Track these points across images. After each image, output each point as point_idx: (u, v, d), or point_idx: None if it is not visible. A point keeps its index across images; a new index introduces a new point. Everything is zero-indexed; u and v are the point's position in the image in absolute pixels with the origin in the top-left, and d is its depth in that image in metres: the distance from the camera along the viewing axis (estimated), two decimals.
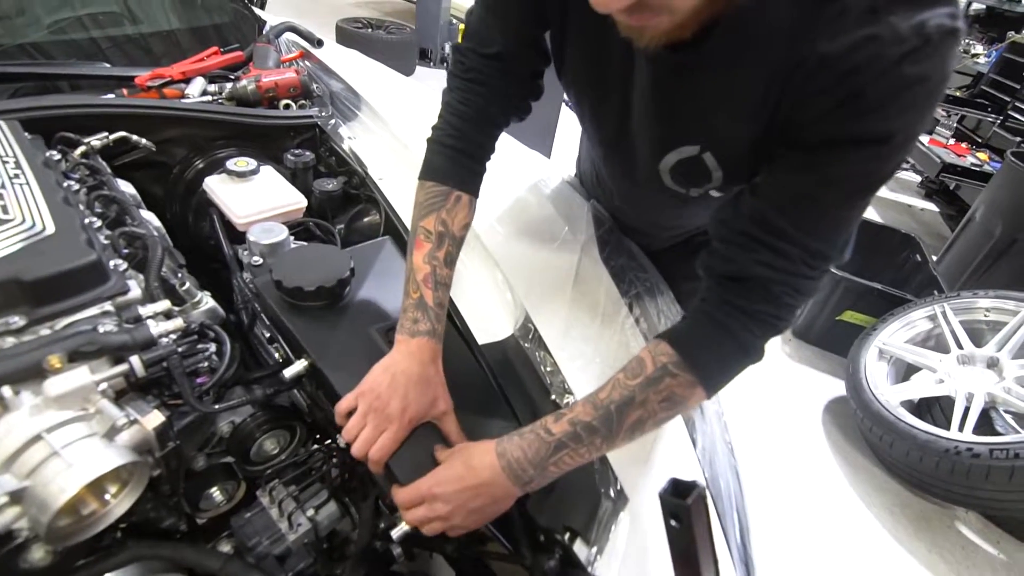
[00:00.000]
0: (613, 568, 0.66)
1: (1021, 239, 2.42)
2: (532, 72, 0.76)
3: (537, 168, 1.27)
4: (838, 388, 2.24)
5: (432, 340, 0.69)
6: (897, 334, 2.12)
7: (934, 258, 2.64)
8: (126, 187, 0.97)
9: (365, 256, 0.89)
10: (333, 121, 1.26)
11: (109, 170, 0.96)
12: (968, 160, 3.65)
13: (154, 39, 1.41)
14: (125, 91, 1.16)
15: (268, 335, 0.86)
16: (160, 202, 1.14)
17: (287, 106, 1.27)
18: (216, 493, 0.82)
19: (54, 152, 0.91)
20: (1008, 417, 1.86)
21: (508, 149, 1.27)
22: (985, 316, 2.04)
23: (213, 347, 0.72)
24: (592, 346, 0.86)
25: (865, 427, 1.93)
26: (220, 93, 1.23)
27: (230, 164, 1.01)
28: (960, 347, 1.99)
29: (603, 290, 0.96)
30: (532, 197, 1.14)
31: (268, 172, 1.06)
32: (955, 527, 1.87)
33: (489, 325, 0.87)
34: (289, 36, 1.62)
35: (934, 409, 2.00)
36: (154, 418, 0.61)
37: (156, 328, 0.64)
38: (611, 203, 1.12)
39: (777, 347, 2.52)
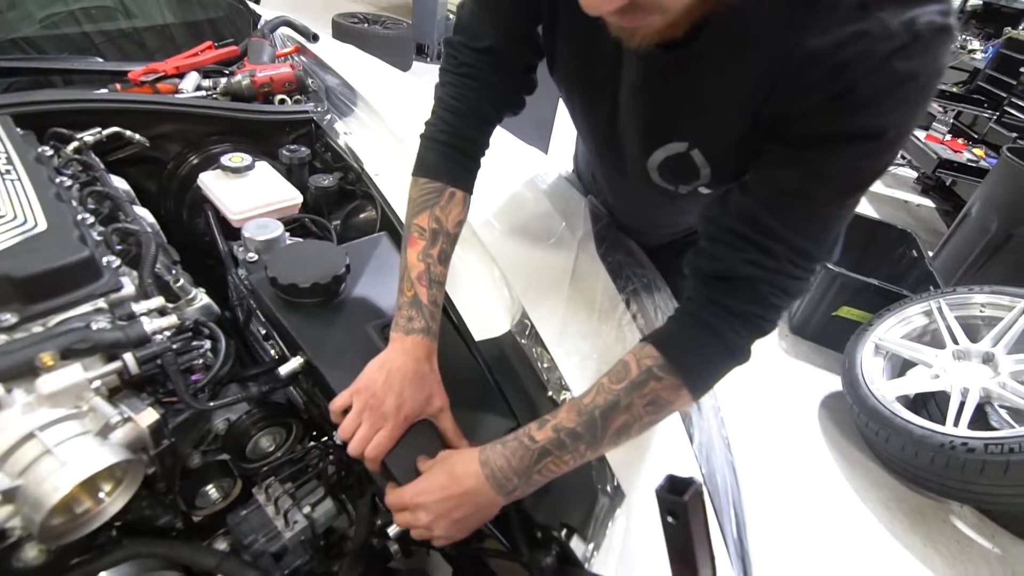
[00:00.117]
0: (610, 564, 0.66)
1: (1017, 235, 2.43)
2: (525, 66, 0.76)
3: (534, 163, 1.26)
4: (834, 383, 2.25)
5: (427, 338, 0.69)
6: (893, 330, 2.13)
7: (930, 254, 2.65)
8: (119, 183, 0.97)
9: (361, 252, 0.88)
10: (329, 116, 1.25)
11: (102, 166, 0.96)
12: (964, 156, 3.65)
13: (148, 33, 1.40)
14: (118, 86, 1.15)
15: (264, 332, 0.85)
16: (154, 198, 1.14)
17: (282, 101, 1.26)
18: (212, 491, 0.82)
19: (46, 148, 0.90)
20: (1003, 412, 1.87)
21: (505, 144, 1.27)
22: (981, 311, 2.05)
23: (208, 344, 0.72)
24: (589, 342, 0.86)
25: (861, 422, 1.93)
26: (214, 88, 1.22)
27: (225, 160, 1.01)
28: (956, 342, 2.00)
29: (600, 286, 0.95)
30: (529, 193, 1.14)
31: (263, 168, 1.06)
32: (950, 521, 1.88)
33: (486, 321, 0.87)
34: (284, 31, 1.61)
35: (930, 404, 2.01)
36: (148, 416, 0.60)
37: (150, 325, 0.64)
38: (605, 200, 1.12)
39: (774, 343, 2.52)
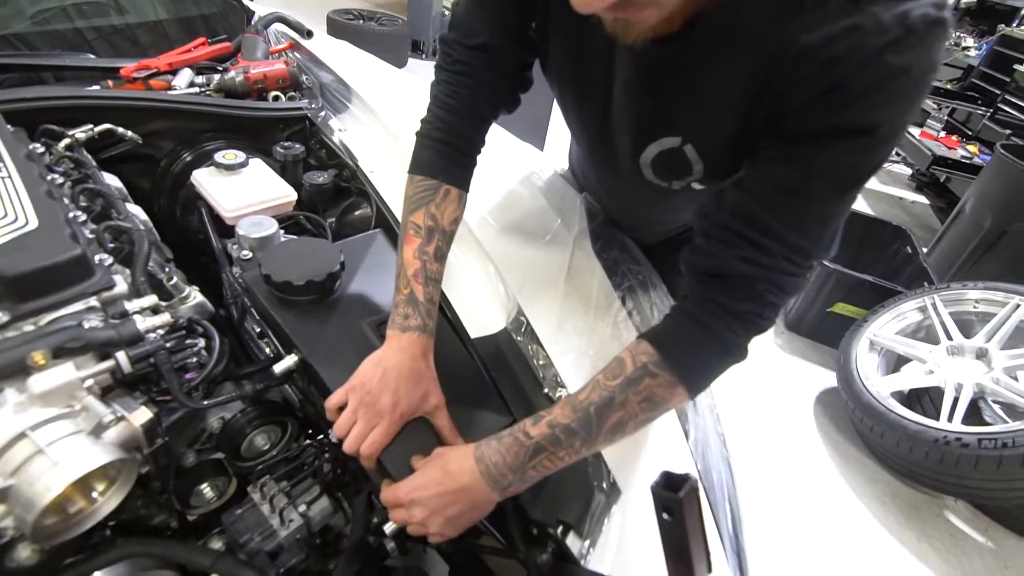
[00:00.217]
0: (606, 561, 0.66)
1: (1010, 231, 2.44)
2: (519, 64, 0.75)
3: (530, 160, 1.26)
4: (829, 379, 2.26)
5: (423, 335, 0.69)
6: (888, 326, 2.14)
7: (924, 250, 2.66)
8: (112, 180, 0.96)
9: (356, 249, 0.88)
10: (323, 113, 1.24)
11: (94, 163, 0.95)
12: (958, 153, 3.67)
13: (140, 29, 1.39)
14: (111, 82, 1.14)
15: (258, 330, 0.85)
16: (147, 196, 1.13)
17: (276, 98, 1.25)
18: (207, 490, 0.81)
19: (37, 145, 0.89)
20: (996, 407, 1.88)
21: (500, 141, 1.27)
22: (974, 307, 2.06)
23: (202, 342, 0.72)
24: (585, 339, 0.86)
25: (856, 418, 1.94)
26: (208, 85, 1.21)
27: (218, 157, 1.00)
28: (950, 338, 2.01)
29: (596, 283, 0.95)
30: (524, 190, 1.14)
31: (257, 165, 1.05)
32: (944, 516, 1.90)
33: (481, 319, 0.86)
34: (278, 27, 1.60)
35: (924, 400, 2.02)
36: (141, 415, 0.60)
37: (143, 323, 0.64)
38: (600, 198, 1.12)
39: (769, 339, 2.53)
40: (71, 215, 0.73)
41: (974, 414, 1.84)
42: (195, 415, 0.73)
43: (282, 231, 0.91)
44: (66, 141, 0.93)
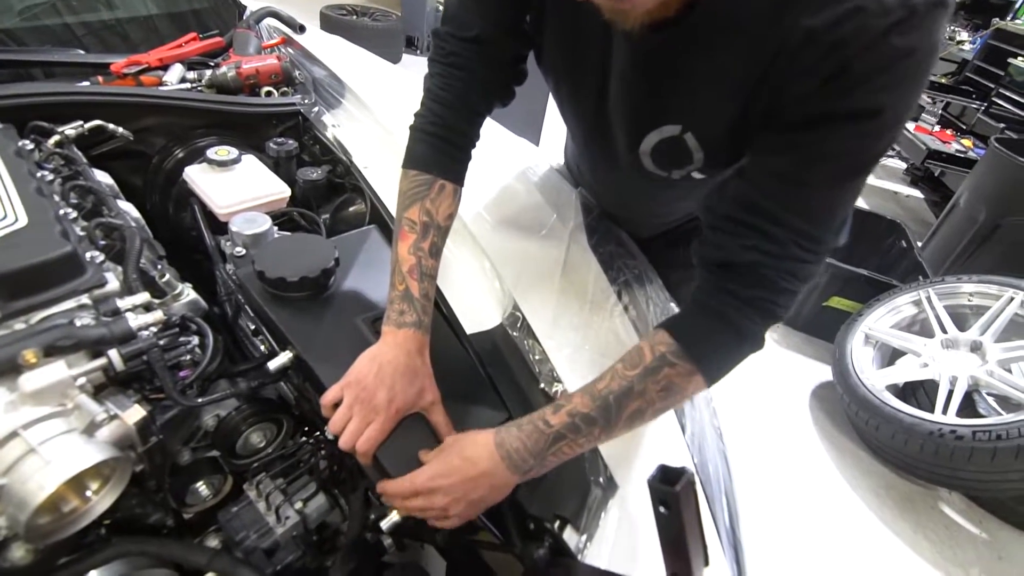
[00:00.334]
0: (603, 555, 0.66)
1: (1004, 225, 2.45)
2: (513, 56, 0.75)
3: (525, 155, 1.25)
4: (825, 373, 2.27)
5: (419, 331, 0.69)
6: (883, 319, 2.15)
7: (919, 244, 2.67)
8: (103, 177, 0.95)
9: (350, 245, 0.88)
10: (316, 109, 1.23)
11: (85, 160, 0.94)
12: (953, 147, 3.68)
13: (131, 25, 1.37)
14: (101, 78, 1.13)
15: (252, 327, 0.85)
16: (139, 193, 1.12)
17: (269, 93, 1.24)
18: (202, 487, 0.81)
19: (27, 141, 0.88)
20: (990, 400, 1.89)
21: (495, 136, 1.26)
22: (969, 300, 2.07)
23: (196, 340, 0.71)
24: (581, 334, 0.86)
25: (851, 411, 1.95)
26: (199, 80, 1.20)
27: (211, 153, 0.99)
28: (944, 331, 2.01)
29: (592, 278, 0.95)
30: (520, 185, 1.13)
31: (250, 161, 1.04)
32: (939, 508, 1.91)
33: (477, 314, 0.86)
34: (270, 22, 1.59)
35: (919, 393, 2.03)
36: (135, 413, 0.60)
37: (135, 321, 0.63)
38: (596, 192, 1.11)
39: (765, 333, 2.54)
40: (61, 212, 0.72)
41: (968, 407, 1.85)
42: (189, 413, 0.73)
43: (276, 227, 0.91)
44: (56, 138, 0.92)
